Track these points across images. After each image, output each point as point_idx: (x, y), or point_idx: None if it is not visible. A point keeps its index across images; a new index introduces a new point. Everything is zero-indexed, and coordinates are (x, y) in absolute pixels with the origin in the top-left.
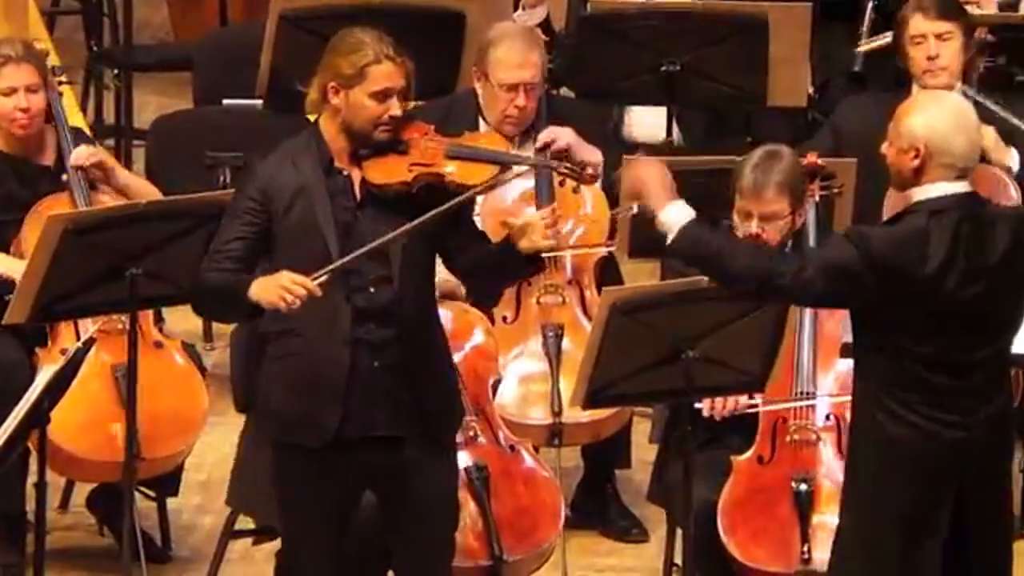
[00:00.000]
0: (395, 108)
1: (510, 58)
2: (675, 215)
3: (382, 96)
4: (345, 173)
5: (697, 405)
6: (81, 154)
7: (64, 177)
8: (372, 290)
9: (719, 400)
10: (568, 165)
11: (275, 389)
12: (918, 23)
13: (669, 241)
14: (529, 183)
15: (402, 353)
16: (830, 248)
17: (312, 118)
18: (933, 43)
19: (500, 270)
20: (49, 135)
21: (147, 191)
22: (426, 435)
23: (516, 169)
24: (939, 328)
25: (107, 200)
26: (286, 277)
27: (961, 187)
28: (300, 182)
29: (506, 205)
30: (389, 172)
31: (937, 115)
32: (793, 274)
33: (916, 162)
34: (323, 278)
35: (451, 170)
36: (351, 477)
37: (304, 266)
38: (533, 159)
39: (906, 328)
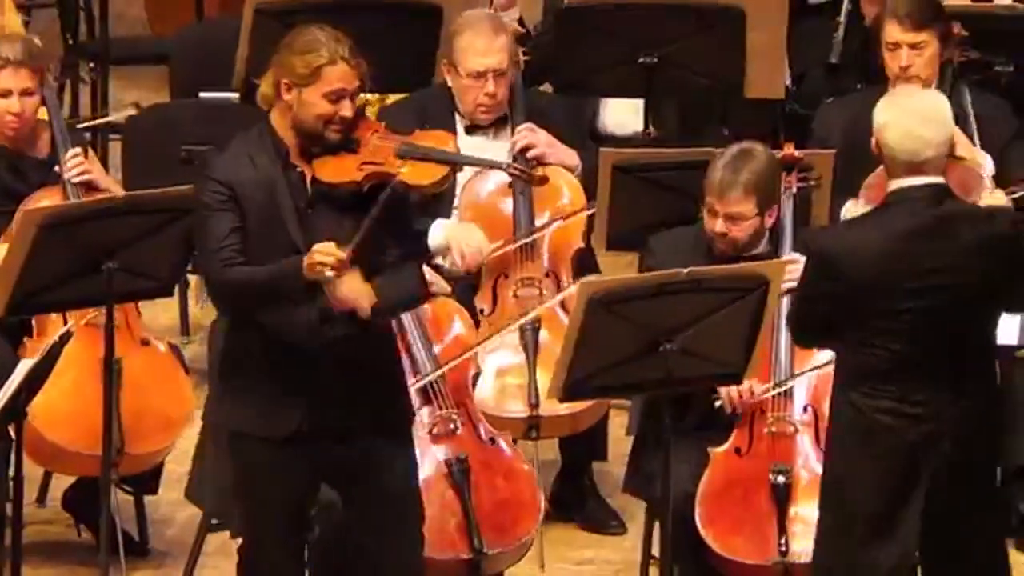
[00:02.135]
0: (346, 109)
1: (475, 45)
2: None
3: (335, 97)
4: (299, 169)
5: (718, 404)
6: (71, 167)
7: (56, 169)
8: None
9: (734, 391)
10: (517, 167)
11: (239, 376)
12: (892, 31)
13: None
14: (506, 176)
15: (354, 349)
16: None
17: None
18: (906, 53)
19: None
20: (42, 128)
21: None
22: (381, 427)
23: (469, 169)
24: (899, 321)
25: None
26: (315, 250)
27: (922, 180)
28: (259, 177)
29: (482, 199)
30: (339, 171)
31: (891, 111)
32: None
33: (875, 152)
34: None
35: (402, 170)
36: (306, 471)
37: (269, 259)
38: (484, 160)
39: (868, 321)
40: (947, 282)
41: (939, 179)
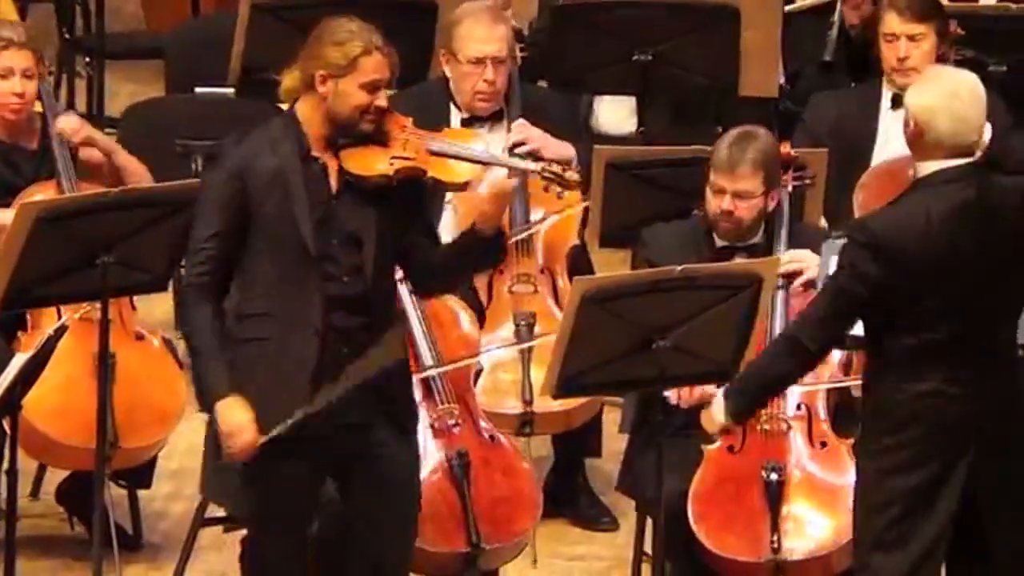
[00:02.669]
0: (382, 99)
1: (475, 32)
2: (717, 410)
3: (371, 87)
4: (321, 161)
5: (665, 393)
6: (67, 126)
7: (53, 141)
8: (345, 279)
9: (685, 389)
10: (551, 171)
11: (241, 375)
12: (891, 22)
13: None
14: (503, 169)
15: (370, 341)
16: (831, 278)
17: (285, 106)
18: (904, 44)
19: (466, 259)
20: (35, 121)
21: (142, 174)
22: (392, 420)
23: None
24: (946, 303)
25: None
26: (240, 438)
27: (962, 160)
28: (278, 167)
29: (480, 195)
30: (370, 164)
31: (927, 92)
32: (812, 331)
33: (913, 137)
34: (274, 433)
35: (434, 166)
36: (317, 464)
37: (278, 254)
38: (516, 162)
39: (914, 306)
40: (991, 258)
41: (974, 157)
